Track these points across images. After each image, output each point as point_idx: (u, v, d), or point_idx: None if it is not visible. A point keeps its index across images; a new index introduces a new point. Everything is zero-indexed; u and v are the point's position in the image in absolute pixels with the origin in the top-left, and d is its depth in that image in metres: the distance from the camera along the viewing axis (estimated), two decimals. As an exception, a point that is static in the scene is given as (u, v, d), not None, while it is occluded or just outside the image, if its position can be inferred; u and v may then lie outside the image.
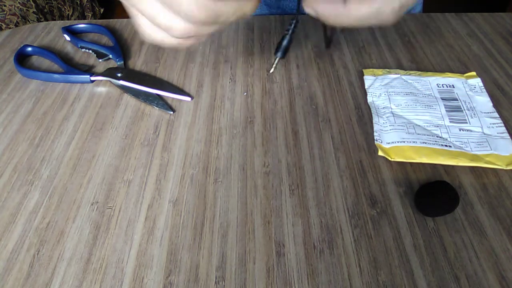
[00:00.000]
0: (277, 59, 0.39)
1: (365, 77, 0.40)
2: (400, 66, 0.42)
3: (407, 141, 0.33)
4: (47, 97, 0.40)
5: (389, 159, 0.33)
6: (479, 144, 0.33)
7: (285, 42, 0.38)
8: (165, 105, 0.38)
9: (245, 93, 0.39)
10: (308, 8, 0.26)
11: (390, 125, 0.35)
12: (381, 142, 0.34)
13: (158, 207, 0.30)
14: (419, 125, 0.35)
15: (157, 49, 0.45)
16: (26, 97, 0.40)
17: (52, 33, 0.48)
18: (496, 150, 0.33)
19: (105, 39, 0.47)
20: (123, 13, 2.09)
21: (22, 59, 0.44)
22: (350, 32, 0.47)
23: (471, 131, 0.34)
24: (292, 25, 0.38)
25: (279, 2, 0.54)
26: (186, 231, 0.29)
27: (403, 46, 0.45)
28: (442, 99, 0.38)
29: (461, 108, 0.37)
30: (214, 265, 0.27)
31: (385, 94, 0.38)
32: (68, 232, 0.29)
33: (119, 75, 0.40)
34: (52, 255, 0.27)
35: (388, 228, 0.28)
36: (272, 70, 0.40)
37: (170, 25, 0.21)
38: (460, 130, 0.35)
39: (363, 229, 0.28)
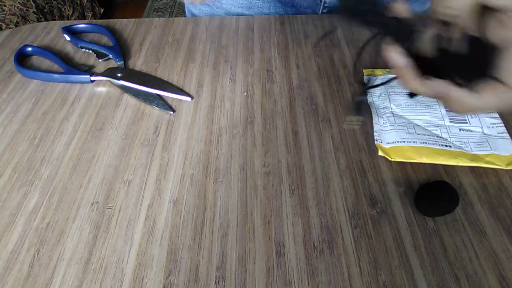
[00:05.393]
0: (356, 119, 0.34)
1: (365, 77, 0.40)
2: (400, 66, 0.42)
3: (407, 141, 0.33)
4: (47, 97, 0.40)
5: (389, 159, 0.33)
6: (479, 144, 0.33)
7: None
8: (165, 105, 0.38)
9: (245, 93, 0.39)
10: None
11: (390, 125, 0.35)
12: (381, 142, 0.34)
13: (158, 207, 0.30)
14: (419, 125, 0.35)
15: (157, 49, 0.45)
16: (26, 97, 0.40)
17: (52, 33, 0.48)
18: (496, 150, 0.33)
19: (105, 39, 0.47)
20: (123, 13, 2.10)
21: (22, 59, 0.44)
22: (350, 32, 0.47)
23: (471, 131, 0.34)
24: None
25: (294, 0, 0.53)
26: (186, 231, 0.29)
27: (403, 46, 0.45)
28: (442, 99, 0.38)
29: (461, 108, 0.37)
30: (214, 265, 0.27)
31: (385, 94, 0.38)
32: (68, 232, 0.29)
33: (119, 75, 0.40)
34: (52, 255, 0.27)
35: (388, 228, 0.28)
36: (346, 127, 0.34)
37: None
38: (460, 130, 0.35)
39: (363, 229, 0.28)
